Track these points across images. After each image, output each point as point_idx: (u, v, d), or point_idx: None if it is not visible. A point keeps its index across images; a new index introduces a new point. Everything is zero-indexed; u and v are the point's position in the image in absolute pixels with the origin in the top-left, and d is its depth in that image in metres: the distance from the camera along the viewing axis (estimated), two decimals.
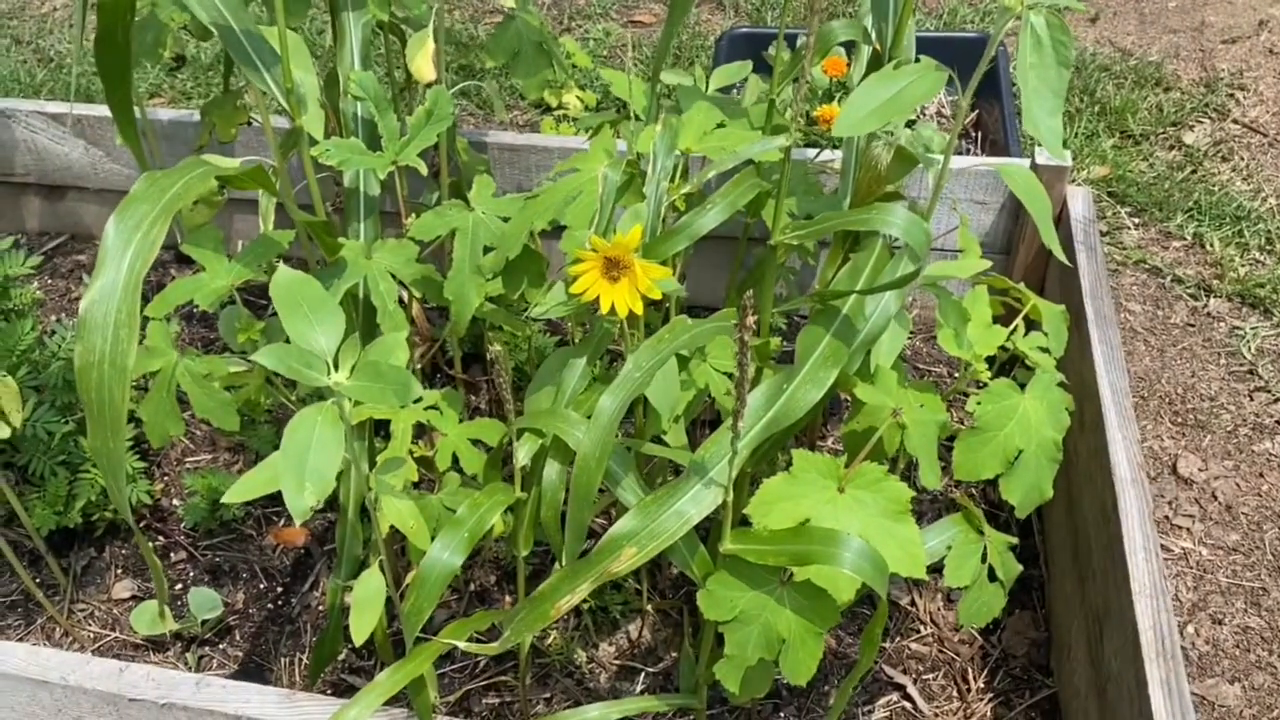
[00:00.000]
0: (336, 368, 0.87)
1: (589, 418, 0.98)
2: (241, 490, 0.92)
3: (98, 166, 1.85)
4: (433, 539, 1.10)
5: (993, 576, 1.06)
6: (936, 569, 1.11)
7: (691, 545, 0.95)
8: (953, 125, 0.97)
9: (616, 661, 1.38)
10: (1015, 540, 1.10)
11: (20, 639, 1.43)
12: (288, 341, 0.86)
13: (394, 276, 1.15)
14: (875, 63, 1.17)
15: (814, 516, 0.94)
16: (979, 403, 1.09)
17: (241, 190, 1.10)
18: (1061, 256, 1.03)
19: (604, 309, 0.97)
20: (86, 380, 0.80)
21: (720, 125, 1.15)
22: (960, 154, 2.13)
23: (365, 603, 0.98)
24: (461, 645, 0.92)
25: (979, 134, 2.16)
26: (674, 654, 1.38)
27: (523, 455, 0.97)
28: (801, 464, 0.96)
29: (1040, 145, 1.46)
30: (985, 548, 1.05)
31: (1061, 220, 1.54)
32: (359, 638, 0.98)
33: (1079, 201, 1.53)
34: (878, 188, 1.16)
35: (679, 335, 0.88)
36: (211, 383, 1.20)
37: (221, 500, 0.98)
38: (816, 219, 0.90)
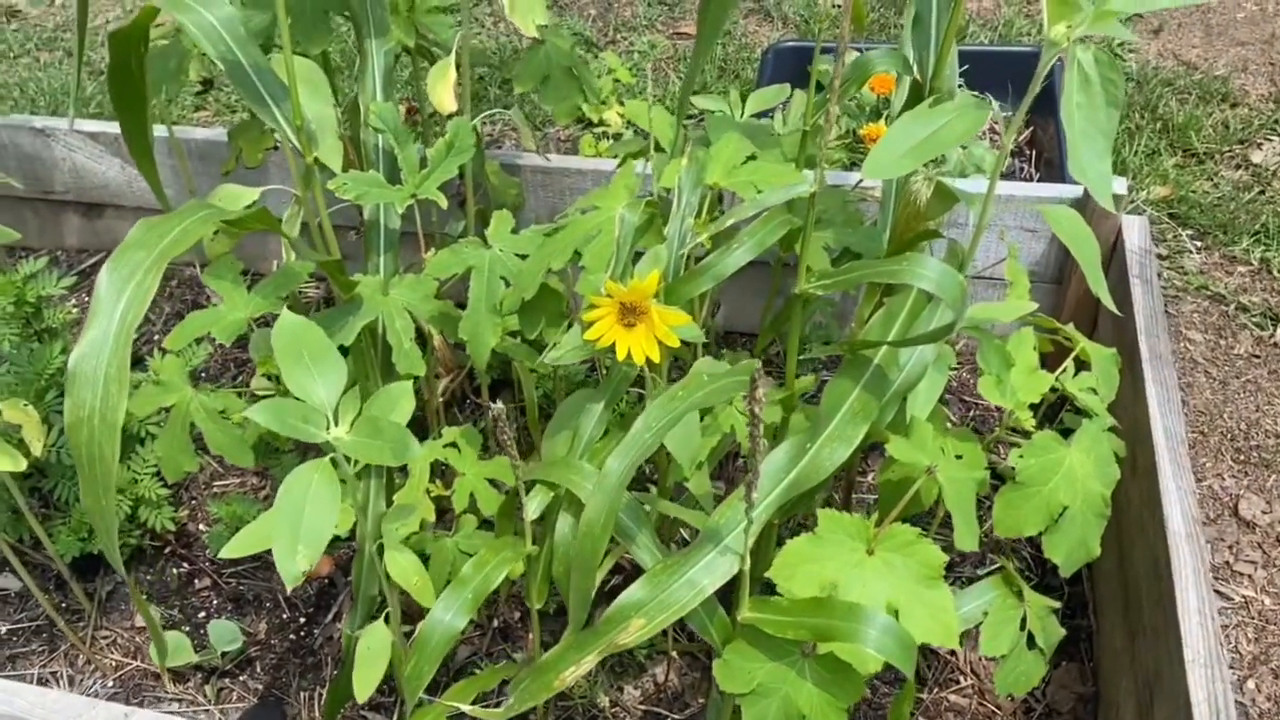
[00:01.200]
0: (336, 421, 0.83)
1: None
2: (237, 546, 0.89)
3: (134, 185, 1.84)
4: (448, 583, 1.06)
5: (1032, 643, 1.00)
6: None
7: (710, 608, 0.90)
8: (1003, 149, 0.91)
9: (642, 706, 1.34)
10: (1058, 604, 1.03)
11: (44, 666, 1.42)
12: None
13: (411, 314, 1.11)
14: (916, 93, 1.11)
15: (840, 581, 0.88)
16: (1021, 456, 1.03)
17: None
18: (1110, 305, 0.96)
19: (620, 356, 0.92)
20: (77, 436, 0.77)
21: (751, 158, 1.10)
22: (1013, 174, 2.05)
23: (370, 657, 0.95)
24: (465, 709, 0.88)
25: (1033, 152, 2.08)
26: (701, 700, 1.33)
27: (533, 509, 0.93)
28: (828, 525, 0.90)
29: (1084, 182, 1.39)
30: (1025, 613, 0.98)
31: (1116, 251, 1.47)
32: (362, 694, 0.94)
33: (1135, 231, 1.45)
34: (917, 224, 1.10)
35: (694, 391, 0.83)
36: (227, 418, 1.17)
37: (219, 554, 0.95)
38: (842, 270, 0.84)
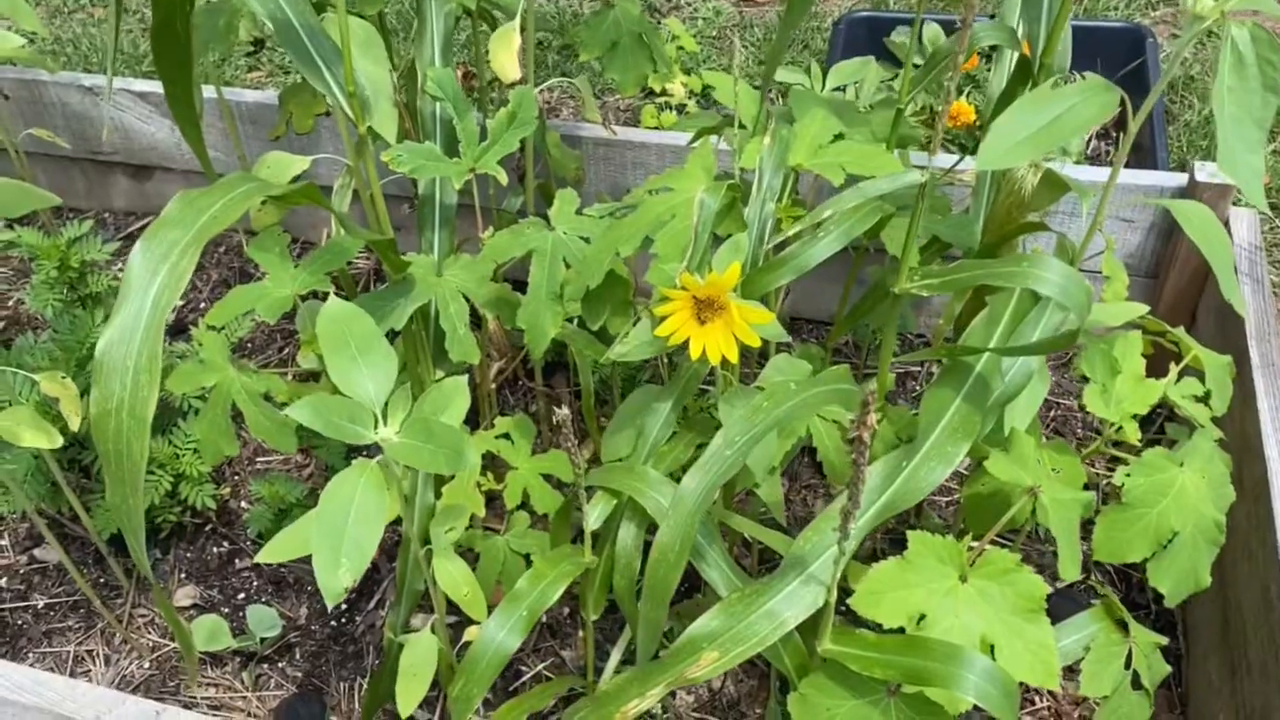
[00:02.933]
0: (385, 420, 0.75)
1: (671, 476, 0.85)
2: (274, 551, 0.82)
3: (183, 147, 1.78)
4: (498, 584, 0.99)
5: (1136, 682, 0.90)
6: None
7: (784, 635, 0.81)
8: (1128, 134, 0.81)
9: (696, 713, 1.26)
10: (1165, 640, 0.94)
11: (79, 643, 1.37)
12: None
13: (466, 297, 1.03)
14: (1022, 69, 1.01)
15: (930, 611, 0.80)
16: (1128, 475, 0.93)
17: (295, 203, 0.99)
18: (1242, 309, 0.86)
19: (694, 355, 0.84)
20: (103, 429, 0.70)
21: (838, 137, 1.00)
22: (1098, 158, 1.93)
23: (414, 670, 0.87)
24: None
25: (1119, 134, 1.95)
26: (759, 710, 1.25)
27: (594, 518, 0.85)
28: (918, 548, 0.81)
29: (1233, 178, 1.28)
30: (1130, 650, 0.89)
31: None
32: (405, 708, 0.87)
33: (1243, 225, 1.33)
34: (1019, 214, 1.00)
35: (780, 403, 0.74)
36: (270, 400, 1.11)
37: (255, 560, 0.88)
38: (952, 269, 0.75)
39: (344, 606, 1.40)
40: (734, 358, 0.82)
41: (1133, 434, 0.98)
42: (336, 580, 0.69)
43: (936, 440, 0.77)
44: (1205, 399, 1.06)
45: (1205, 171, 1.34)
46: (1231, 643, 1.10)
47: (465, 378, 0.83)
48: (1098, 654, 0.88)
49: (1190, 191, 1.34)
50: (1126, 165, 1.86)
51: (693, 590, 1.34)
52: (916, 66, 1.08)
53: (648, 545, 0.87)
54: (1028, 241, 1.10)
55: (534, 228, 0.98)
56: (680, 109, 2.06)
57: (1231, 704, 1.07)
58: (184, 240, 0.72)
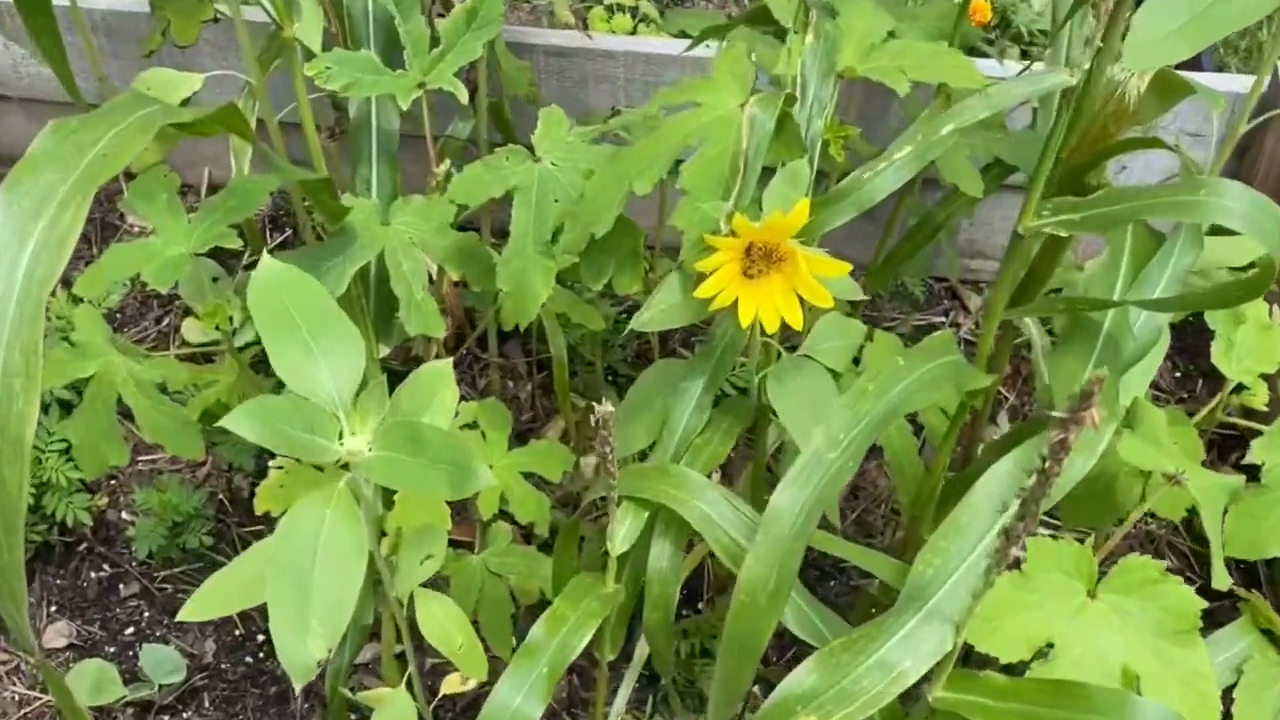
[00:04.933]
0: (351, 426, 0.63)
1: (710, 476, 0.75)
2: (199, 608, 0.69)
3: (20, 69, 1.59)
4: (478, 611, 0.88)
5: None
6: None
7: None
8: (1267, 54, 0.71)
9: None
10: None
11: None
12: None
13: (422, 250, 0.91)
14: None
15: (1057, 637, 0.71)
16: (1267, 450, 0.85)
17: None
18: None
19: (743, 319, 0.73)
20: None
21: (890, 36, 0.90)
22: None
23: None
24: None
25: None
26: None
27: (623, 538, 0.73)
28: (1038, 557, 0.72)
29: None
30: None
31: None
32: None
33: None
34: (1116, 128, 0.90)
35: (889, 386, 0.63)
36: (167, 392, 0.97)
37: (177, 617, 0.76)
38: (1095, 200, 0.65)
39: (260, 639, 1.27)
40: (798, 324, 0.72)
41: (1260, 397, 0.90)
42: (305, 650, 0.56)
43: None
44: None
45: None
46: None
47: (448, 362, 0.70)
48: (1253, 677, 0.80)
49: (1273, 95, 1.26)
50: None
51: (694, 597, 1.25)
52: None
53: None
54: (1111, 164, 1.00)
55: (514, 158, 0.86)
56: (634, 11, 1.92)
57: None
58: (64, 188, 0.58)
